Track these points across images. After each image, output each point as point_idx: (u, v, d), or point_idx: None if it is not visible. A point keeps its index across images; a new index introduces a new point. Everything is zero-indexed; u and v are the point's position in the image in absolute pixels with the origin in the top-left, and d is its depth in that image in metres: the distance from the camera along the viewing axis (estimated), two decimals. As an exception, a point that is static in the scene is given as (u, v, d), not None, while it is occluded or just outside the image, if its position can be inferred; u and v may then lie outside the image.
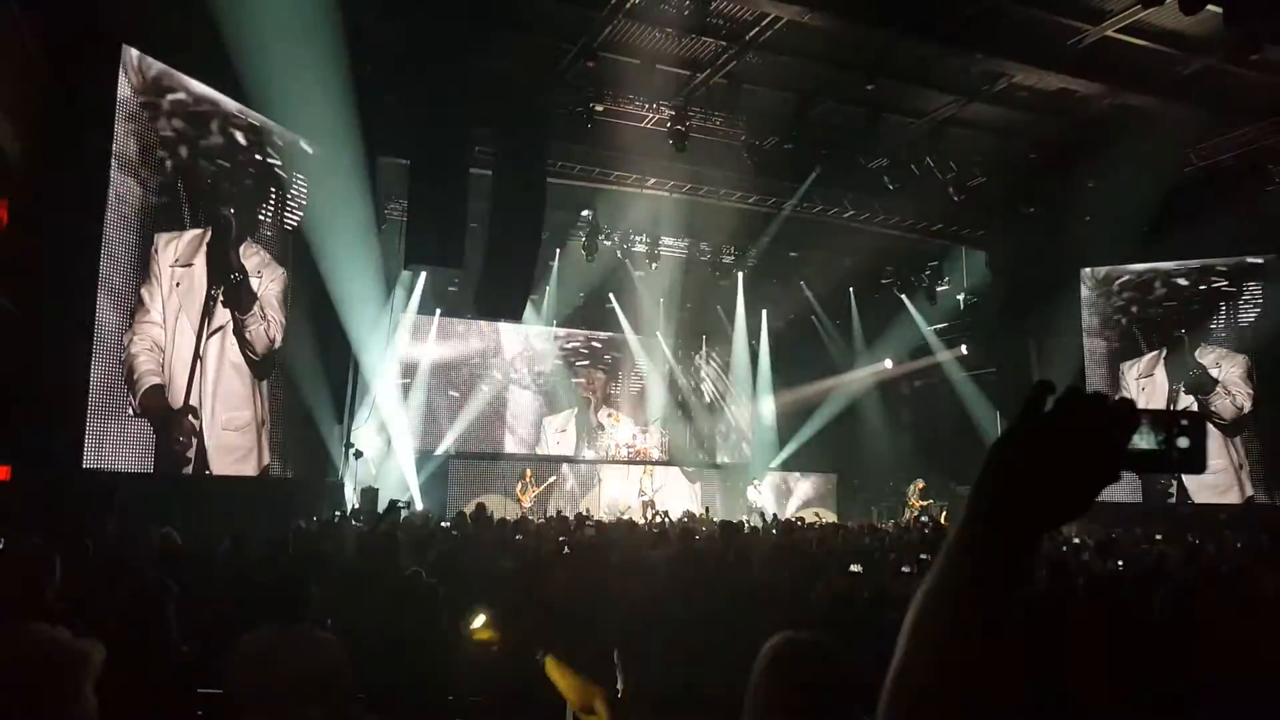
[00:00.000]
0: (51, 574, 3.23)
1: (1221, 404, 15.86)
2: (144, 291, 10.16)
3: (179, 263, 10.76)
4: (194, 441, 10.84)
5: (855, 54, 12.36)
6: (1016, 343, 17.64)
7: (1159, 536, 10.55)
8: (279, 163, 12.68)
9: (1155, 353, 16.69)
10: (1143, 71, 12.35)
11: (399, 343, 18.23)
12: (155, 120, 10.44)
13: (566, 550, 6.95)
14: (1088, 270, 17.33)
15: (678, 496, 19.26)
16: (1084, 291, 17.36)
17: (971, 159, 15.41)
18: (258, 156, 12.22)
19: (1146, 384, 16.71)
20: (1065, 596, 5.26)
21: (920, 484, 18.61)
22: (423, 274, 17.70)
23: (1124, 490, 16.64)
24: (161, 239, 10.47)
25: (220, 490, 11.02)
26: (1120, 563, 7.54)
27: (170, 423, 10.52)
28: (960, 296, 20.32)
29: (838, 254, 20.13)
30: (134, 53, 10.05)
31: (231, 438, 11.70)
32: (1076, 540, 9.97)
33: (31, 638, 1.40)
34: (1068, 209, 15.97)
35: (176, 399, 10.67)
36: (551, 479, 15.86)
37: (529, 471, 17.03)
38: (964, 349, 19.19)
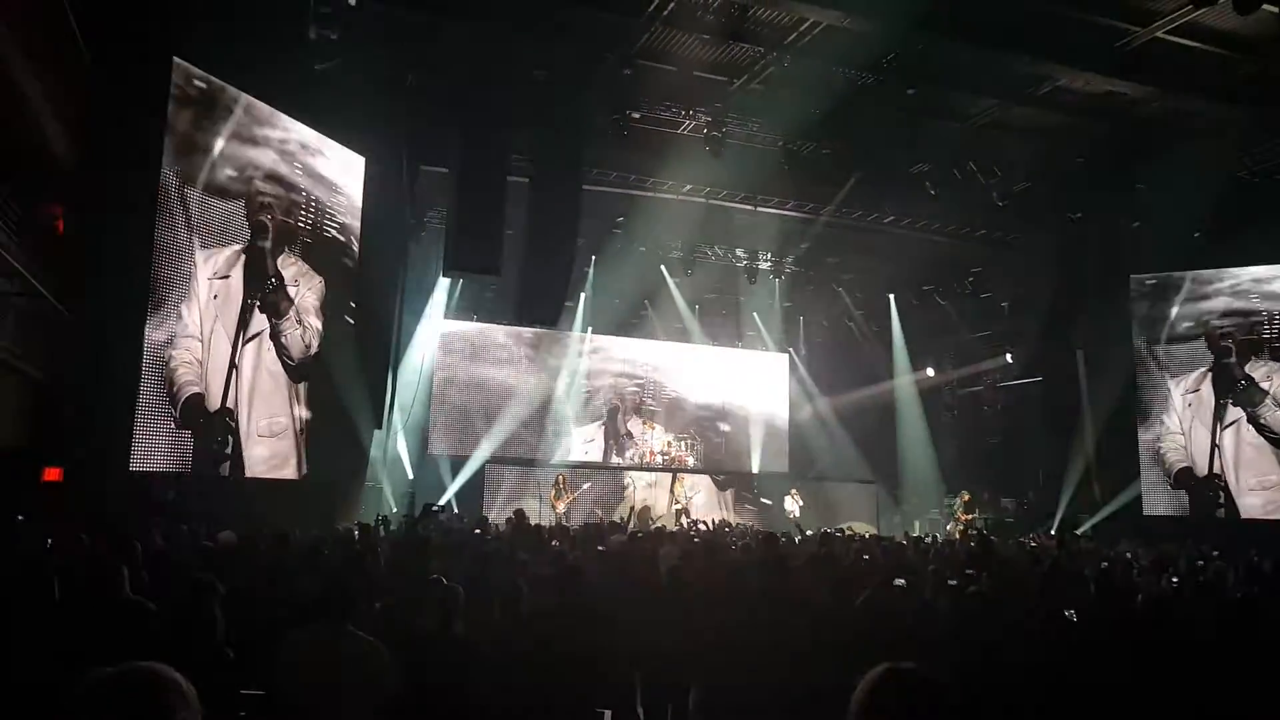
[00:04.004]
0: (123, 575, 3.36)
1: (1273, 417, 15.38)
2: (183, 307, 10.40)
3: (216, 275, 11.01)
4: (228, 445, 11.01)
5: (896, 58, 12.21)
6: (1063, 352, 17.27)
7: (1216, 553, 10.21)
8: (321, 172, 12.87)
9: (1202, 368, 16.21)
10: (1194, 73, 12.03)
11: (436, 348, 18.39)
12: (202, 131, 10.66)
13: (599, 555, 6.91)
14: (1137, 278, 16.92)
15: (713, 506, 19.16)
16: (1133, 300, 16.95)
17: (1016, 164, 15.14)
18: (299, 166, 12.41)
19: (1194, 399, 16.23)
20: (1118, 616, 5.10)
21: (965, 496, 18.27)
22: (460, 281, 17.85)
23: (1170, 505, 16.20)
24: (200, 255, 10.72)
25: (261, 493, 11.18)
26: (1175, 580, 7.31)
27: (207, 428, 10.72)
28: (1004, 304, 19.96)
29: (877, 260, 19.89)
30: (184, 65, 10.28)
31: (269, 443, 11.90)
32: (1129, 555, 9.69)
33: (159, 679, 1.41)
34: (1116, 215, 15.61)
35: (213, 404, 10.90)
36: (585, 485, 15.86)
37: (562, 477, 17.05)
38: (1008, 357, 18.83)
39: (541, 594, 4.68)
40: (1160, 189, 15.25)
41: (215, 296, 10.96)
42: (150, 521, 7.60)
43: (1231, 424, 15.80)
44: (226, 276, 11.16)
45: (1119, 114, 13.53)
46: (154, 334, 9.89)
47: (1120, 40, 11.45)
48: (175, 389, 10.22)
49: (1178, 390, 16.40)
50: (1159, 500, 16.35)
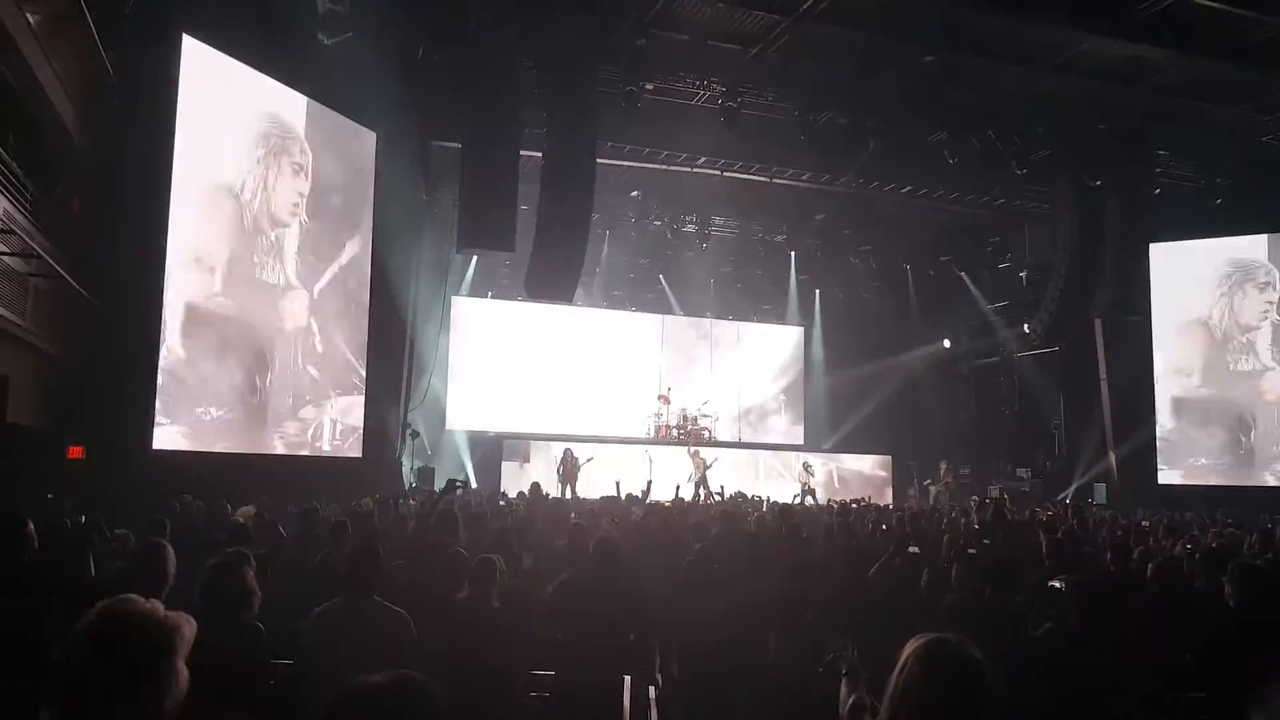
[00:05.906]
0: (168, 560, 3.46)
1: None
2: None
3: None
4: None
5: (914, 24, 12.04)
6: (1081, 321, 17.14)
7: (1230, 520, 10.20)
8: (333, 146, 12.88)
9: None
10: (1217, 36, 11.81)
11: (452, 325, 18.46)
12: (217, 109, 10.66)
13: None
14: (1157, 245, 16.73)
15: (729, 478, 19.22)
16: (1153, 268, 16.77)
17: (1035, 131, 14.94)
18: (316, 144, 12.42)
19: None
20: (1129, 580, 5.13)
21: (943, 463, 18.37)
22: (474, 257, 17.86)
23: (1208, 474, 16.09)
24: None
25: (288, 470, 11.33)
26: (1189, 545, 7.31)
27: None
28: (1022, 273, 19.80)
29: (894, 232, 19.74)
30: (195, 42, 10.25)
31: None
32: (1146, 524, 9.69)
33: (129, 610, 1.45)
34: (1137, 182, 15.41)
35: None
36: (590, 458, 16.00)
37: (573, 450, 17.15)
38: (1026, 327, 18.71)
39: (571, 565, 4.76)
40: (1181, 155, 15.03)
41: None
42: (175, 497, 7.72)
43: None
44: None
45: (1141, 80, 13.32)
46: (178, 309, 9.99)
47: (1143, 3, 11.24)
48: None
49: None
50: (1176, 468, 16.29)
